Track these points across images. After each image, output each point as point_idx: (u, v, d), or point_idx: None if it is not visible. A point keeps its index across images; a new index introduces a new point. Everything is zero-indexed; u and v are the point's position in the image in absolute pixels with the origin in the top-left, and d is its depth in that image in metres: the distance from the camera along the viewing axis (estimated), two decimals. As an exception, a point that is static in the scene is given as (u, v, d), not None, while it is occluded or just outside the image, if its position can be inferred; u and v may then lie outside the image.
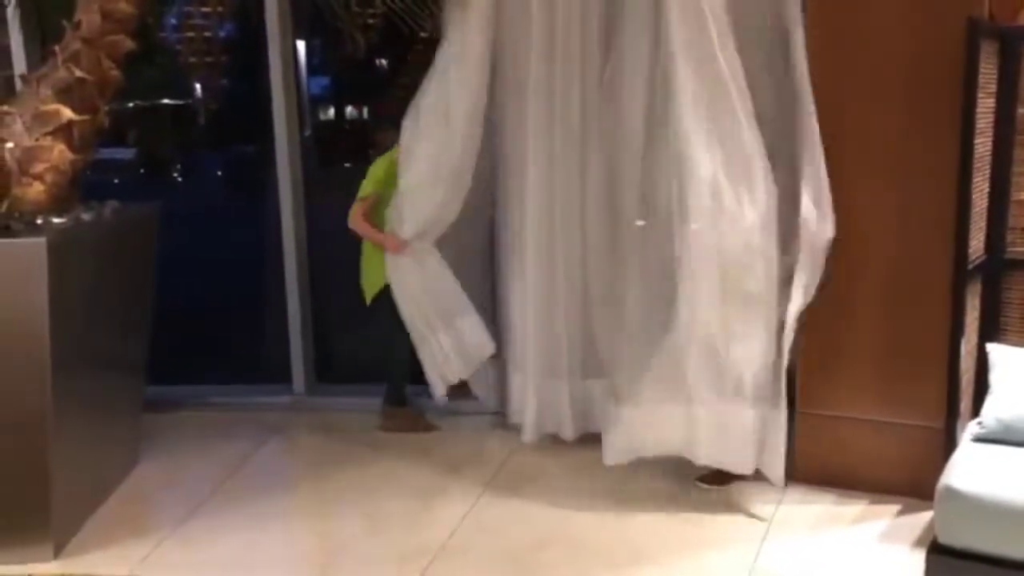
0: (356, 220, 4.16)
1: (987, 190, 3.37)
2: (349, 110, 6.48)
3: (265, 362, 5.10)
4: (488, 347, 4.18)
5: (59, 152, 3.47)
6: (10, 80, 4.09)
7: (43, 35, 4.27)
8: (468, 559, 3.21)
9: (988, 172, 3.35)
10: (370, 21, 4.69)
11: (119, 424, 3.89)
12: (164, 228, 3.98)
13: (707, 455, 3.52)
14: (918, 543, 3.12)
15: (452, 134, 3.86)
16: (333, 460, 4.00)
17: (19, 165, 3.43)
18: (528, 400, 4.02)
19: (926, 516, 3.15)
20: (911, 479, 3.36)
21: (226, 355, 5.34)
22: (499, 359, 4.27)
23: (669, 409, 3.54)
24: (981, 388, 3.27)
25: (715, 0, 3.29)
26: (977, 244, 3.36)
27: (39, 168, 3.46)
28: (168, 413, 4.50)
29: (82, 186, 3.71)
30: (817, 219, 3.30)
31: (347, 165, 5.89)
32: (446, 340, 4.11)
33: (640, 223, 3.67)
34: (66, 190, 3.55)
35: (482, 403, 4.44)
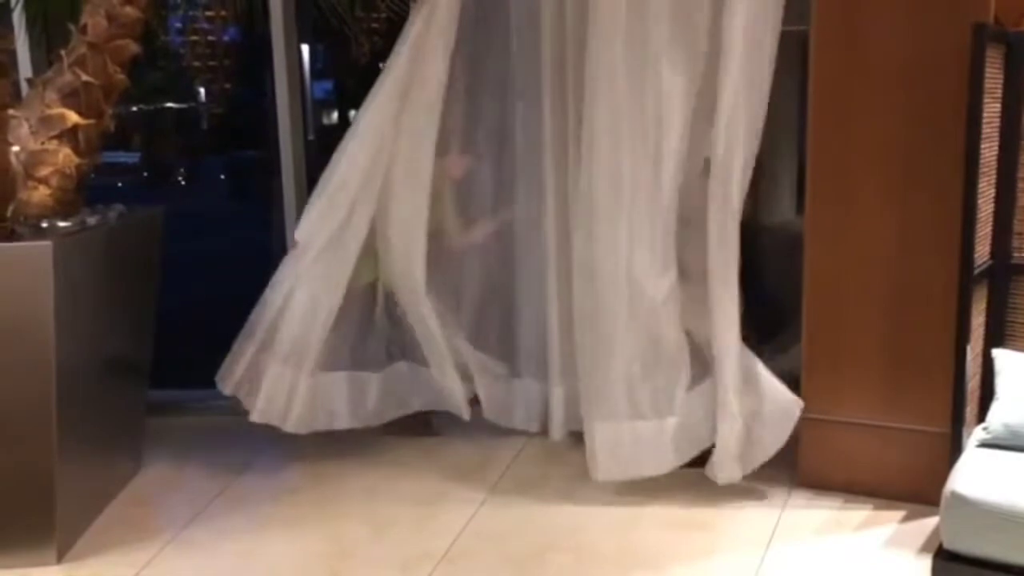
0: None
1: (992, 195, 3.37)
2: (352, 114, 6.48)
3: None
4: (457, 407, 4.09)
5: (64, 156, 3.48)
6: (16, 84, 4.09)
7: (48, 39, 4.27)
8: (472, 565, 3.21)
9: (993, 177, 3.35)
10: (374, 25, 4.70)
11: (123, 428, 3.88)
12: (167, 232, 3.98)
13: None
14: (923, 549, 3.11)
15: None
16: (336, 464, 4.00)
17: (25, 169, 3.43)
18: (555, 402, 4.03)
19: (931, 522, 3.15)
20: (916, 485, 3.34)
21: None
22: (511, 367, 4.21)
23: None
24: (987, 393, 3.25)
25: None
26: (983, 249, 3.35)
27: (45, 172, 3.46)
28: (172, 417, 4.50)
29: (87, 190, 3.71)
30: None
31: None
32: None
33: None
34: (71, 194, 3.55)
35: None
